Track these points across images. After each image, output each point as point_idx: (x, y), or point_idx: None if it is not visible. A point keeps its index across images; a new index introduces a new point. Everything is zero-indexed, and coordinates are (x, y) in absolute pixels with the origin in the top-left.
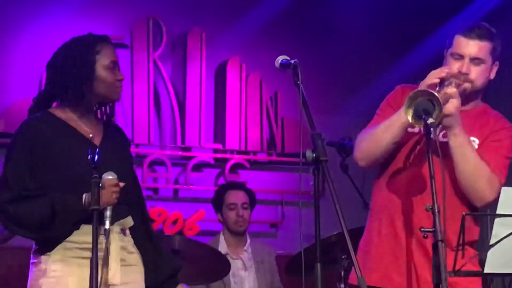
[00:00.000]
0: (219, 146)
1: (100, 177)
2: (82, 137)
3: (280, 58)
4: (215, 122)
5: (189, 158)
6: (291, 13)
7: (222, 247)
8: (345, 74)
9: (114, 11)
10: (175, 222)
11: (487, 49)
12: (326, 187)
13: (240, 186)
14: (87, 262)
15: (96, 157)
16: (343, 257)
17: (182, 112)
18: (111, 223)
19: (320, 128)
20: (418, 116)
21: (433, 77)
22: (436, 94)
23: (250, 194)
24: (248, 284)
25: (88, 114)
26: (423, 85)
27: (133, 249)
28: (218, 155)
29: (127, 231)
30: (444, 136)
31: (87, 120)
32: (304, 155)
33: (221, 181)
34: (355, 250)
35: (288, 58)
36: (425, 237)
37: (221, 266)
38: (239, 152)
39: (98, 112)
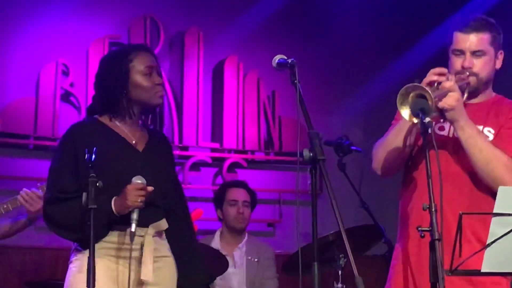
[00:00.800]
0: (217, 145)
1: (97, 177)
2: (125, 142)
3: (277, 58)
4: (213, 121)
5: (187, 157)
6: (288, 13)
7: (215, 244)
8: (342, 73)
9: (112, 10)
10: None
11: (486, 40)
12: (324, 186)
13: (242, 185)
14: (114, 259)
15: (93, 156)
16: (340, 256)
17: (180, 111)
18: (146, 225)
19: (318, 127)
20: (415, 114)
21: (431, 74)
22: (424, 87)
23: (252, 193)
24: (236, 282)
25: (132, 123)
26: (423, 84)
27: (168, 252)
28: (216, 154)
29: (163, 235)
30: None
31: (131, 128)
32: (301, 154)
33: (219, 180)
34: (352, 249)
35: (285, 57)
36: (422, 237)
37: (219, 264)
38: (237, 151)
39: (144, 120)
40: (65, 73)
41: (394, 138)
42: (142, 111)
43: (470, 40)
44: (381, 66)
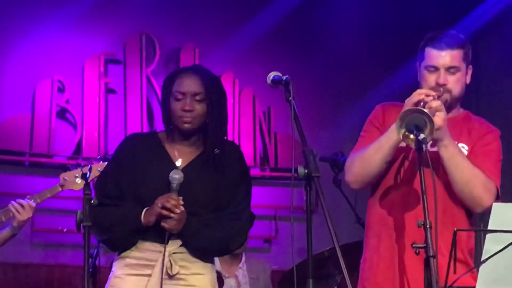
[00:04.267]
0: None
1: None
2: (168, 160)
3: (272, 75)
4: None
5: None
6: (283, 29)
7: (216, 266)
8: (337, 89)
9: (107, 27)
10: None
11: (459, 56)
12: (319, 202)
13: None
14: (143, 278)
15: (88, 173)
16: (336, 272)
17: None
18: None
19: (313, 144)
20: (410, 131)
21: (418, 95)
22: (427, 111)
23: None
24: None
25: (185, 141)
26: (408, 103)
27: (201, 270)
28: None
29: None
30: (432, 145)
31: (182, 147)
32: (296, 171)
33: None
34: (348, 265)
35: (280, 74)
36: (417, 253)
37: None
38: None
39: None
40: (61, 90)
41: (374, 154)
42: (180, 133)
43: (444, 57)
44: (376, 81)
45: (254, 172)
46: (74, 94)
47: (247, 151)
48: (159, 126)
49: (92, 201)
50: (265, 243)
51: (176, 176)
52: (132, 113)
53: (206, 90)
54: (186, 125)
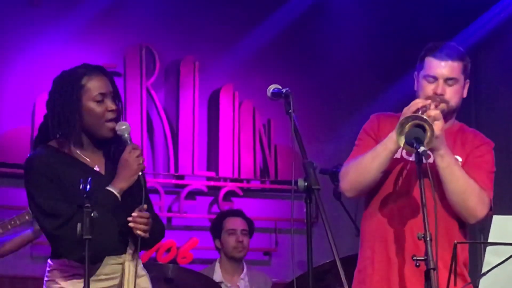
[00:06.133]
0: (212, 174)
1: (92, 207)
2: (89, 169)
3: (272, 87)
4: (208, 150)
5: (183, 186)
6: (284, 41)
7: (217, 276)
8: (338, 101)
9: (107, 39)
10: (168, 250)
11: (459, 68)
12: (319, 215)
13: (239, 213)
14: None
15: (88, 186)
16: (336, 285)
17: (175, 140)
18: (124, 251)
19: (313, 156)
20: (409, 144)
21: (416, 104)
22: (426, 117)
23: (249, 221)
24: None
25: (87, 145)
26: (407, 112)
27: (143, 271)
28: (211, 183)
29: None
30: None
31: (87, 152)
32: (296, 184)
33: (215, 209)
34: (348, 278)
35: (280, 87)
36: (417, 266)
37: None
38: (232, 180)
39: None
40: None
41: (371, 162)
42: (92, 140)
43: (444, 67)
44: (376, 93)
45: (254, 184)
46: None
47: (247, 163)
48: (159, 137)
49: (92, 214)
50: (265, 256)
51: (123, 127)
52: (132, 125)
53: (114, 87)
54: (111, 133)
